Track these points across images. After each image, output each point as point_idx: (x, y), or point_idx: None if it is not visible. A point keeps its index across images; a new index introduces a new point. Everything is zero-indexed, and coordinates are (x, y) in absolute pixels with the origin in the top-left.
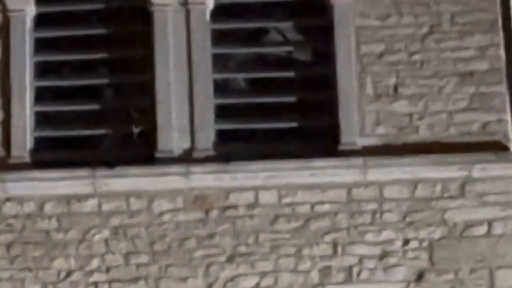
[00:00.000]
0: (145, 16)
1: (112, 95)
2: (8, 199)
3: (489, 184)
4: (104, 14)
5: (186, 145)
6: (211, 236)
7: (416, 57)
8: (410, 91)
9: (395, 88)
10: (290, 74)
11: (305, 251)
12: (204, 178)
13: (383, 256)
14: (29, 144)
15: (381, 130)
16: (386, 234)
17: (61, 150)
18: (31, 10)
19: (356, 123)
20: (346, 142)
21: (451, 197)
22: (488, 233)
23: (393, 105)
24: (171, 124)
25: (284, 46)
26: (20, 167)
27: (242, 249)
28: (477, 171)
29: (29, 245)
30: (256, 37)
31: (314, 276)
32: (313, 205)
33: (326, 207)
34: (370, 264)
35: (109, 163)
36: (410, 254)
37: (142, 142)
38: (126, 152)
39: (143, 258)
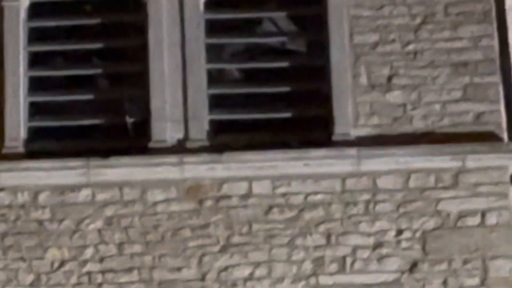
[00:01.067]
0: (139, 6)
1: (106, 85)
2: (1, 189)
3: (482, 174)
4: (98, 4)
5: (180, 135)
6: (204, 226)
7: (410, 47)
8: (404, 81)
9: (389, 79)
10: (284, 64)
11: (299, 241)
12: (198, 168)
13: (376, 246)
14: (23, 134)
15: (374, 120)
16: (380, 225)
17: (55, 140)
18: (25, 0)
19: (350, 114)
20: (340, 133)
21: (444, 188)
22: (482, 224)
23: (386, 96)
24: (165, 114)
25: (278, 36)
26: (14, 157)
27: (236, 239)
28: (470, 162)
29: (23, 235)
30: (250, 27)
31: (308, 266)
32: (306, 196)
33: (320, 197)
34: (363, 254)
35: (103, 153)
36: (404, 244)
37: (136, 132)
38: (120, 142)
39: (137, 248)
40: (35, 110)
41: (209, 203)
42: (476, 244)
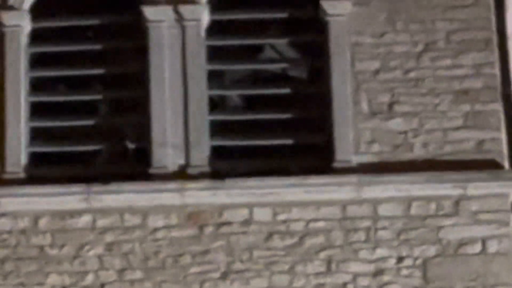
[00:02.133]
0: (140, 32)
1: (107, 111)
2: (2, 215)
3: (483, 202)
4: (99, 30)
5: (181, 161)
6: (205, 252)
7: (411, 74)
8: (405, 108)
9: (390, 106)
10: (285, 91)
11: (299, 268)
12: (199, 195)
13: (377, 273)
14: (23, 159)
15: (375, 147)
16: (380, 252)
17: (55, 166)
18: (27, 26)
19: (351, 141)
20: (341, 160)
21: (445, 215)
22: (482, 251)
23: (388, 123)
24: (166, 140)
25: (279, 63)
26: (15, 182)
27: (237, 265)
28: (471, 189)
29: (23, 261)
30: (251, 53)
31: None
32: (307, 222)
33: (321, 224)
34: (364, 281)
35: (104, 179)
36: (404, 272)
37: (136, 158)
38: (121, 168)
39: (137, 274)
40: (36, 135)
41: (209, 229)
42: (477, 272)
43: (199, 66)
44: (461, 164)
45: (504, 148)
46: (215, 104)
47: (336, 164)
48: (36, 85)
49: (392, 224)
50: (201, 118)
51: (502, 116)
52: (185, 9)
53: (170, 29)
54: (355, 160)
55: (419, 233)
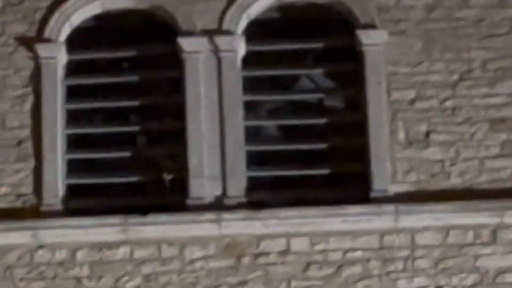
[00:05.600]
0: (177, 63)
1: (144, 142)
2: (40, 247)
3: None
4: (135, 61)
5: (218, 192)
6: (242, 283)
7: (448, 103)
8: (442, 137)
9: (427, 135)
10: (321, 121)
11: None
12: (236, 225)
13: None
14: (61, 191)
15: (412, 177)
16: (418, 281)
17: (93, 198)
18: (62, 58)
19: (388, 170)
20: (378, 189)
21: (483, 244)
22: None
23: (424, 152)
24: (203, 171)
25: (315, 93)
26: (52, 214)
27: None
28: (509, 217)
29: None
30: (287, 84)
31: None
32: (345, 252)
33: (358, 254)
34: None
35: (141, 210)
36: None
37: (173, 189)
38: (158, 199)
39: None
40: (73, 167)
41: (247, 260)
42: None
43: (235, 97)
44: (498, 193)
45: None
46: (251, 135)
47: (373, 194)
48: (73, 117)
49: (429, 253)
50: (238, 148)
51: None
52: (220, 40)
53: (206, 60)
54: (392, 189)
55: (457, 262)
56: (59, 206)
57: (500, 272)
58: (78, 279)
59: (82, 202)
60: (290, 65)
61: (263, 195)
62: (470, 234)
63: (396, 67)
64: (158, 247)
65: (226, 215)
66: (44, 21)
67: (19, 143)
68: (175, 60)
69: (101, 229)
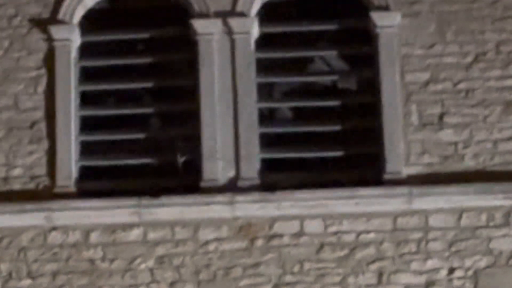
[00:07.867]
0: (190, 45)
1: (157, 124)
2: (53, 228)
3: None
4: (149, 43)
5: (231, 174)
6: (256, 265)
7: (461, 86)
8: (455, 120)
9: (440, 117)
10: (335, 103)
11: (350, 280)
12: (249, 207)
13: (428, 285)
14: (74, 173)
15: (426, 159)
16: (432, 263)
17: (106, 180)
18: (76, 40)
19: (402, 152)
20: (391, 171)
21: (496, 226)
22: None
23: (438, 134)
24: (216, 153)
25: (329, 75)
26: (66, 196)
27: (287, 278)
28: None
29: (74, 274)
30: (301, 66)
31: None
32: (358, 234)
33: (372, 236)
34: None
35: (154, 192)
36: (456, 283)
37: (187, 171)
38: (171, 181)
39: (189, 287)
40: (86, 149)
41: (260, 242)
42: None
43: (249, 79)
44: (511, 175)
45: None
46: (265, 117)
47: (386, 176)
48: (86, 99)
49: (443, 235)
50: (251, 130)
51: None
52: (234, 22)
53: (220, 42)
54: (406, 171)
55: (470, 244)
56: (72, 188)
57: None
58: (91, 261)
59: (96, 184)
60: (304, 47)
61: (277, 177)
62: (483, 216)
63: (410, 49)
64: (171, 229)
65: (240, 197)
66: (58, 3)
67: (33, 124)
68: (189, 42)
69: (115, 211)
